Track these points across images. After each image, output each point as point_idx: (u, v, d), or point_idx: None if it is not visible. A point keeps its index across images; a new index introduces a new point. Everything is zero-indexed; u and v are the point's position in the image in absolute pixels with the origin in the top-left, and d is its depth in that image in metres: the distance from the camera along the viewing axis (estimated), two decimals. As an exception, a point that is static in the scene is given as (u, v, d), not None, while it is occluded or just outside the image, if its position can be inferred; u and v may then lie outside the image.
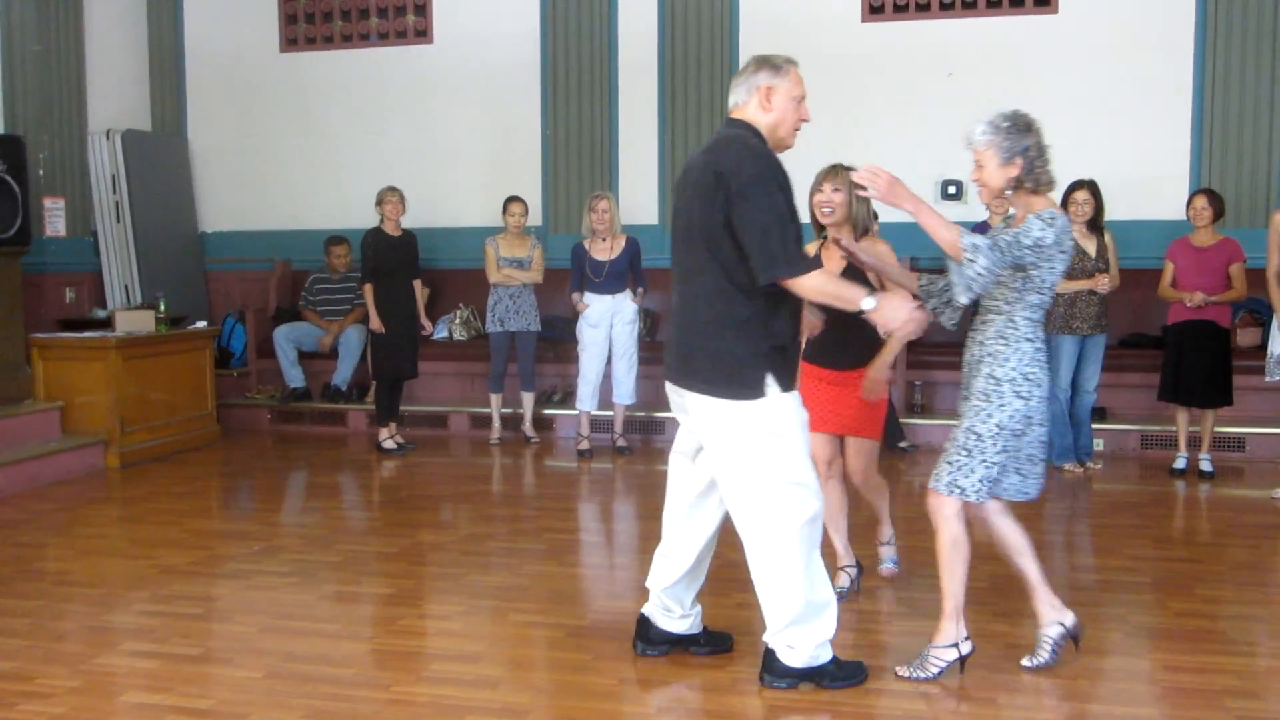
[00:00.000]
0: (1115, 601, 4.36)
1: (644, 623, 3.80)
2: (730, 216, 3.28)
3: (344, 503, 6.61)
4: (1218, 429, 6.72)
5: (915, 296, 3.59)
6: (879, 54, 8.17)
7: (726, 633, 3.86)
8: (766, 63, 3.46)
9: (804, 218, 3.62)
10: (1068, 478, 6.62)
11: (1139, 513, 5.87)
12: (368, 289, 7.46)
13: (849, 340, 4.22)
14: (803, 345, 3.86)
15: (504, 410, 7.92)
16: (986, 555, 4.98)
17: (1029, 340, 3.42)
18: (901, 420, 7.49)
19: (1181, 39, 7.88)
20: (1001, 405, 3.40)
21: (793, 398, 3.40)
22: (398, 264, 7.53)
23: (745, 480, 3.39)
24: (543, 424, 8.06)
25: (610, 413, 7.57)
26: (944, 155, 7.24)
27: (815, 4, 8.37)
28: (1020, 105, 8.13)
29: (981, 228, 6.77)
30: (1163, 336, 6.81)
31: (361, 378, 8.56)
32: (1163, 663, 3.75)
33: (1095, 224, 6.64)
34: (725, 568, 4.80)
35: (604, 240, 7.34)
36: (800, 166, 3.73)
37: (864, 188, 3.31)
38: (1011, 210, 3.59)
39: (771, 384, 3.34)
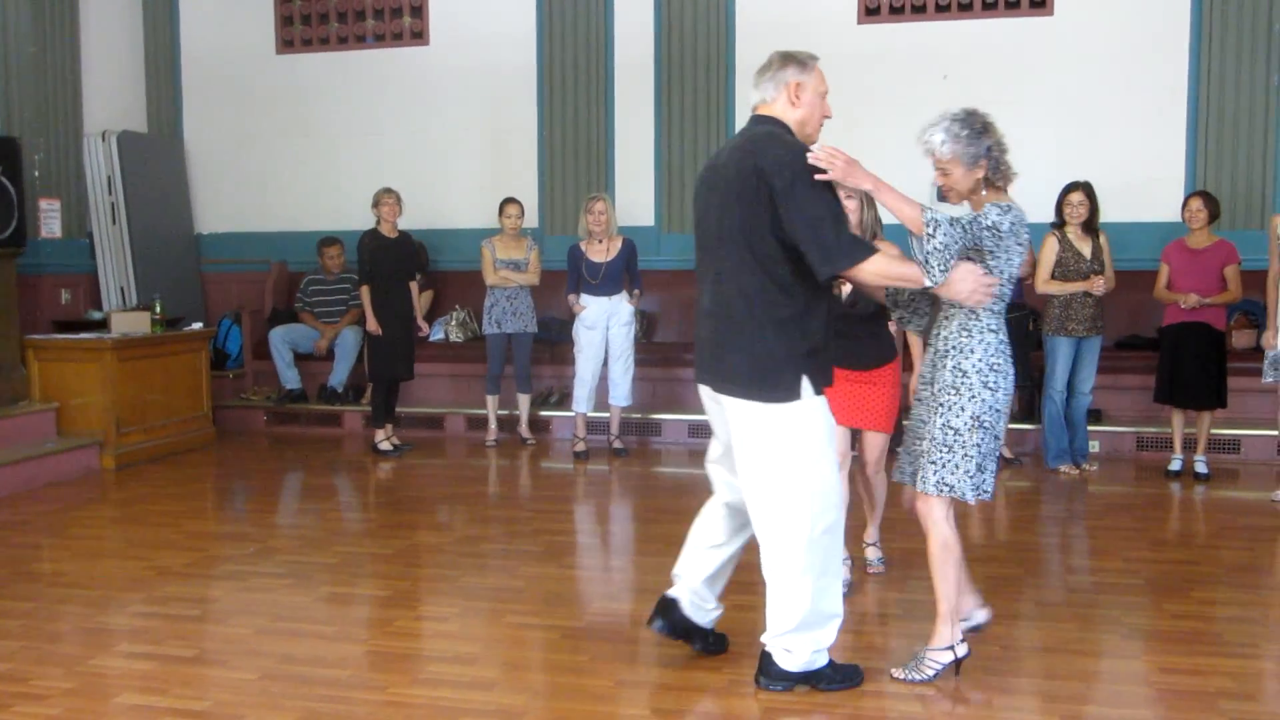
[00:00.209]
0: (1110, 603, 4.36)
1: (671, 605, 3.74)
2: (778, 214, 3.26)
3: (340, 504, 6.60)
4: (1213, 431, 6.74)
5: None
6: (875, 55, 8.19)
7: (724, 634, 3.86)
8: (793, 59, 3.44)
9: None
10: (1064, 479, 6.63)
11: (1134, 514, 5.88)
12: (364, 291, 7.45)
13: (868, 341, 4.36)
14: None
15: (500, 412, 7.91)
16: (983, 557, 5.01)
17: (992, 331, 3.44)
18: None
19: (1177, 41, 7.90)
20: (972, 397, 3.41)
21: (822, 402, 3.40)
22: (394, 265, 7.53)
23: (769, 483, 3.38)
24: (539, 426, 8.06)
25: (606, 414, 7.57)
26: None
27: (811, 5, 8.39)
28: (1016, 107, 8.25)
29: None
30: (1158, 338, 6.82)
31: (357, 379, 8.56)
32: (1158, 665, 3.75)
33: (1090, 226, 6.65)
34: (721, 569, 4.81)
35: (600, 242, 7.34)
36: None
37: (844, 182, 3.28)
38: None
39: (806, 386, 3.33)
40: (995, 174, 3.44)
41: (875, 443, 4.56)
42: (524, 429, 7.88)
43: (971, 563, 4.83)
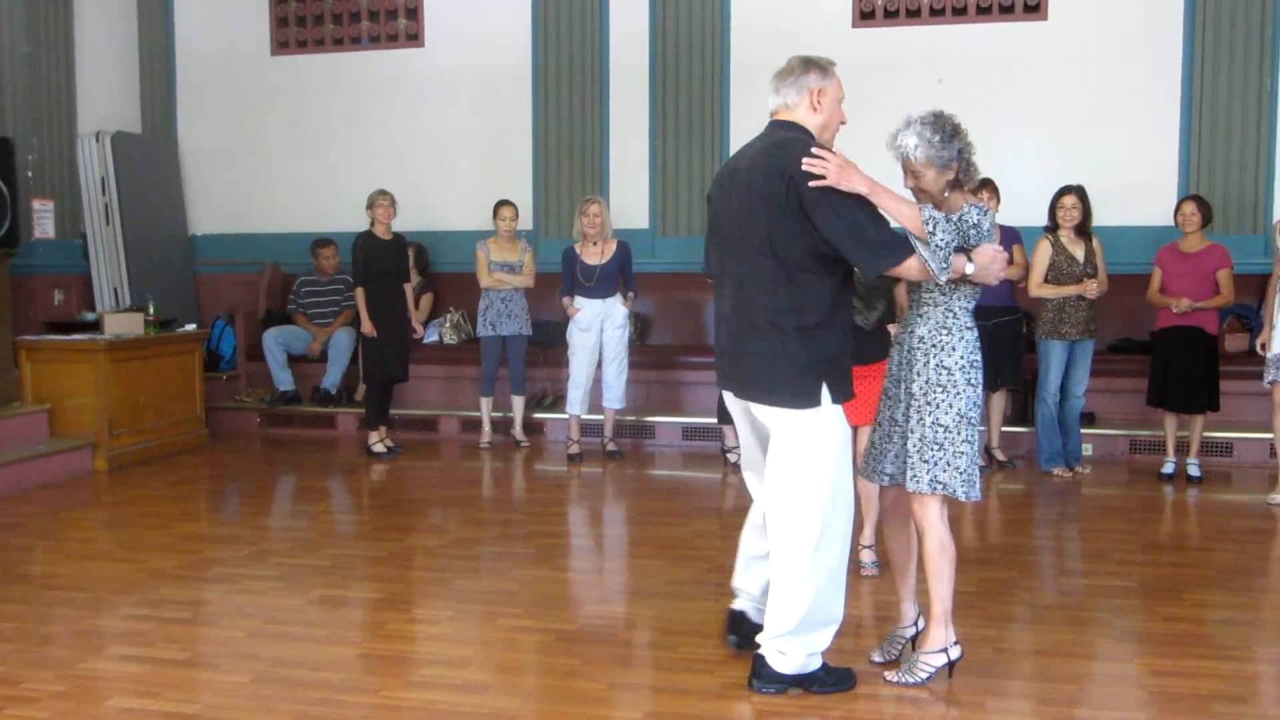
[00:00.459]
0: (1103, 606, 4.37)
1: (739, 618, 3.79)
2: (806, 222, 3.26)
3: (333, 506, 6.59)
4: (1205, 434, 6.74)
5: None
6: (869, 60, 8.17)
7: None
8: (814, 64, 3.45)
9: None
10: (1057, 482, 6.64)
11: (1127, 517, 5.89)
12: (359, 292, 7.44)
13: (870, 335, 4.36)
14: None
15: (494, 414, 7.91)
16: (976, 560, 5.02)
17: (968, 330, 3.48)
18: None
19: (1170, 46, 7.91)
20: (958, 395, 3.44)
21: (840, 411, 3.42)
22: (389, 267, 7.52)
23: (785, 485, 3.40)
24: (533, 428, 8.05)
25: (600, 417, 7.57)
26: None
27: (806, 9, 8.39)
28: (1010, 111, 8.25)
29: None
30: (1151, 342, 6.83)
31: (351, 381, 8.55)
32: (1150, 667, 3.75)
33: (1083, 229, 6.67)
34: (716, 572, 4.82)
35: (595, 244, 7.34)
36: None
37: (822, 175, 3.25)
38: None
39: (826, 394, 3.36)
40: (965, 176, 3.46)
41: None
42: (518, 431, 7.87)
43: (964, 565, 4.84)
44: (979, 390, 3.49)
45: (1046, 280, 6.64)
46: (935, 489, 3.45)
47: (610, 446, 7.52)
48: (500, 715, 3.38)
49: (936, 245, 3.27)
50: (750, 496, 3.80)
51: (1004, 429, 7.14)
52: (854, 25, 8.40)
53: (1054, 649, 3.89)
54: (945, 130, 3.43)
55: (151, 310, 7.69)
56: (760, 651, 3.50)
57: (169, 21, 9.70)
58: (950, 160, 3.42)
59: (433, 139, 9.18)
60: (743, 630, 3.77)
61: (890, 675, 3.58)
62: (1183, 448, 6.66)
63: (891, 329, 4.43)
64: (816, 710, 3.39)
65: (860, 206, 3.28)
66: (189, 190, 9.79)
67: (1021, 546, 5.46)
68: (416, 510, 6.24)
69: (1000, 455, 7.05)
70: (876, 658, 3.74)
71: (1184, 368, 6.50)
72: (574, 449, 7.44)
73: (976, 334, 3.51)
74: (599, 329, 7.36)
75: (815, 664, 3.49)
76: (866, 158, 3.60)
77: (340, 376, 8.56)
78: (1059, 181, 6.84)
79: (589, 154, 8.86)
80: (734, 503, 6.40)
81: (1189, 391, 6.51)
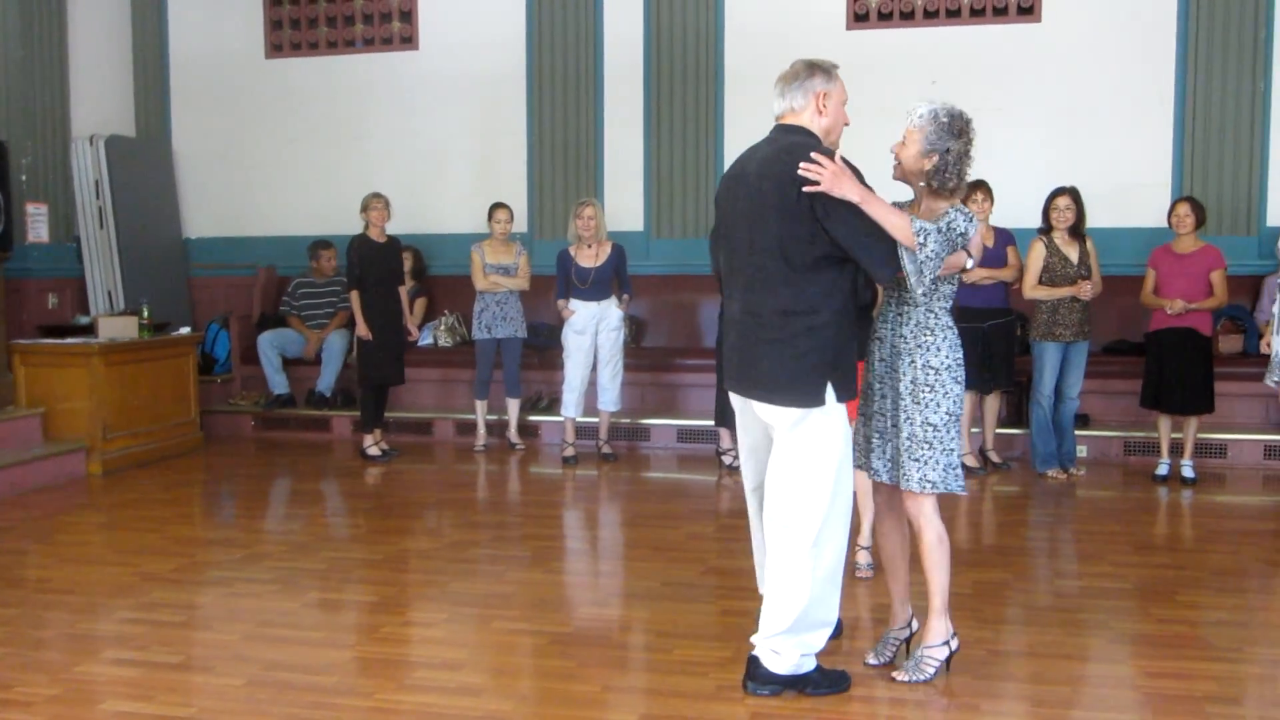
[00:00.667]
0: (1097, 608, 4.38)
1: None
2: (818, 226, 3.30)
3: (327, 510, 6.58)
4: (1200, 435, 6.75)
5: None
6: (863, 62, 8.12)
7: (839, 618, 3.83)
8: (819, 68, 3.48)
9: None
10: (1051, 484, 6.64)
11: (1122, 519, 5.89)
12: (354, 295, 7.44)
13: (863, 328, 4.34)
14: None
15: (489, 417, 7.90)
16: (971, 562, 5.02)
17: (950, 329, 3.52)
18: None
19: (1163, 48, 7.93)
20: (945, 393, 3.47)
21: (844, 410, 3.45)
22: (383, 270, 7.51)
23: (787, 483, 3.43)
24: (528, 431, 8.04)
25: (595, 419, 7.57)
26: (928, 163, 7.28)
27: (800, 12, 8.40)
28: (1004, 113, 8.26)
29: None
30: (1145, 343, 6.84)
31: (346, 384, 8.54)
32: (1144, 669, 3.76)
33: (1077, 231, 6.68)
34: (711, 574, 4.82)
35: (589, 247, 7.34)
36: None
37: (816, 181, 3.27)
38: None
39: (830, 393, 3.39)
40: (935, 175, 3.46)
41: None
42: (513, 434, 7.87)
43: (959, 567, 4.84)
44: (964, 387, 3.55)
45: (1041, 282, 6.65)
46: (924, 488, 3.47)
47: (605, 449, 7.52)
48: (494, 718, 3.38)
49: (927, 257, 3.29)
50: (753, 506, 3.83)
51: (998, 431, 7.15)
52: (848, 27, 8.41)
53: (1048, 650, 3.90)
54: (953, 124, 3.45)
55: (145, 314, 7.68)
56: (754, 653, 3.50)
57: (163, 25, 9.69)
58: (935, 150, 3.43)
59: (427, 142, 9.18)
60: None
61: (899, 676, 3.58)
62: (1177, 449, 6.66)
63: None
64: (811, 713, 3.40)
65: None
66: (183, 193, 9.78)
67: (1016, 548, 5.47)
68: (411, 513, 6.23)
69: (995, 457, 7.05)
70: (871, 660, 3.75)
71: (1178, 369, 6.51)
72: (569, 452, 7.44)
73: (956, 332, 3.55)
74: (594, 331, 7.36)
75: (809, 665, 3.50)
76: (862, 159, 3.62)
77: (335, 379, 8.54)
78: (1053, 183, 6.85)
79: (583, 157, 8.86)
80: (729, 505, 6.40)
81: (1183, 393, 6.52)
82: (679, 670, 3.73)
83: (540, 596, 4.61)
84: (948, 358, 3.48)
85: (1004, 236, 6.91)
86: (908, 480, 3.49)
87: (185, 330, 8.23)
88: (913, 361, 3.48)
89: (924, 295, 3.45)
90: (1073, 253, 6.65)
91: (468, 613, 4.39)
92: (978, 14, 8.22)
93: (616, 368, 7.44)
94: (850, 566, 4.65)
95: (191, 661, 3.89)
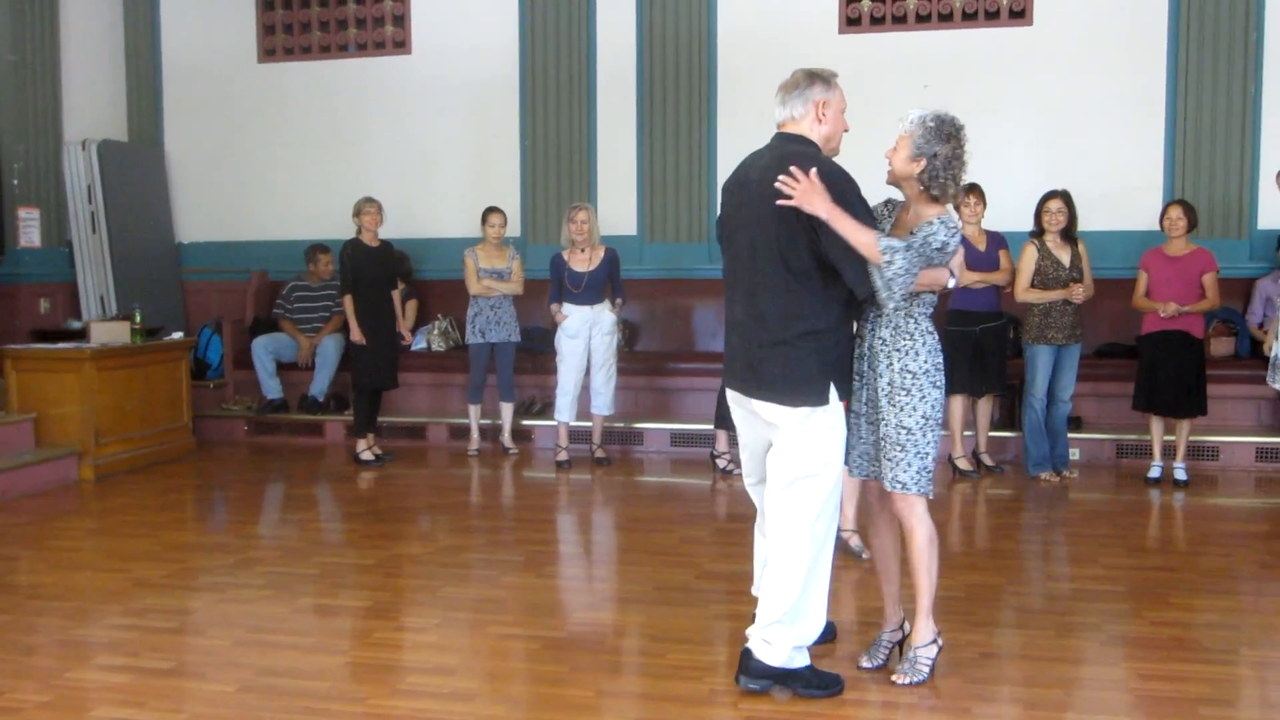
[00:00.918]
0: (1090, 610, 4.38)
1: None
2: (815, 233, 3.38)
3: (321, 515, 6.57)
4: (1192, 438, 6.77)
5: None
6: (855, 66, 8.12)
7: (830, 621, 3.86)
8: (819, 77, 3.55)
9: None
10: (1044, 487, 6.65)
11: (1114, 521, 5.90)
12: (348, 300, 7.43)
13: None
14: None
15: (482, 421, 7.90)
16: (964, 565, 5.03)
17: (930, 333, 3.55)
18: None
19: (1154, 51, 7.95)
20: (923, 397, 3.51)
21: (841, 408, 3.54)
22: (377, 275, 7.50)
23: (789, 476, 3.49)
24: (521, 435, 8.04)
25: (589, 424, 7.56)
26: (920, 166, 7.29)
27: (792, 16, 8.41)
28: (996, 116, 8.28)
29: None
30: (1137, 346, 6.85)
31: (339, 388, 8.53)
32: (1137, 671, 3.76)
33: (1069, 234, 6.69)
34: (705, 578, 4.82)
35: (583, 251, 7.34)
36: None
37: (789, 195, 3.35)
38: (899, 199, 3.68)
39: (832, 392, 3.48)
40: (925, 178, 3.48)
41: None
42: (506, 438, 7.86)
43: (952, 570, 4.88)
44: (943, 391, 3.57)
45: (1033, 285, 6.66)
46: (894, 488, 3.54)
47: (599, 453, 7.52)
48: (487, 723, 3.37)
49: (894, 274, 3.33)
50: (756, 507, 3.86)
51: (991, 434, 7.16)
52: (840, 32, 8.42)
53: (1041, 653, 3.90)
54: (941, 129, 3.48)
55: (138, 318, 7.66)
56: (748, 645, 3.54)
57: (155, 29, 9.68)
58: (923, 155, 3.46)
59: (420, 146, 9.18)
60: None
61: (898, 679, 3.60)
62: (1169, 452, 6.68)
63: None
64: (804, 717, 3.39)
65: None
66: (176, 198, 9.77)
67: (1009, 551, 5.47)
68: (404, 518, 6.22)
69: (988, 460, 7.06)
70: (865, 663, 3.76)
71: (1170, 372, 6.52)
72: (562, 456, 7.43)
73: (936, 337, 3.58)
74: (587, 336, 7.36)
75: (802, 661, 3.53)
76: (855, 163, 3.64)
77: (328, 384, 8.53)
78: (1044, 186, 6.87)
79: (576, 161, 8.86)
80: (723, 509, 6.41)
81: (1176, 395, 6.53)
82: (672, 675, 3.72)
83: (533, 601, 4.61)
84: (925, 362, 3.52)
85: (996, 240, 6.92)
86: (882, 481, 3.58)
87: (178, 335, 8.21)
88: (890, 364, 3.53)
89: (895, 310, 3.49)
90: (1065, 256, 6.67)
91: (461, 618, 4.39)
92: (970, 17, 8.24)
93: (610, 372, 7.44)
94: (844, 559, 4.67)
95: (183, 667, 3.88)
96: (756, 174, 3.52)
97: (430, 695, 3.58)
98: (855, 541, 4.93)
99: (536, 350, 8.22)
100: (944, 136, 3.47)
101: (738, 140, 3.95)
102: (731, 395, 3.72)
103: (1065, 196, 6.67)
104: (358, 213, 7.46)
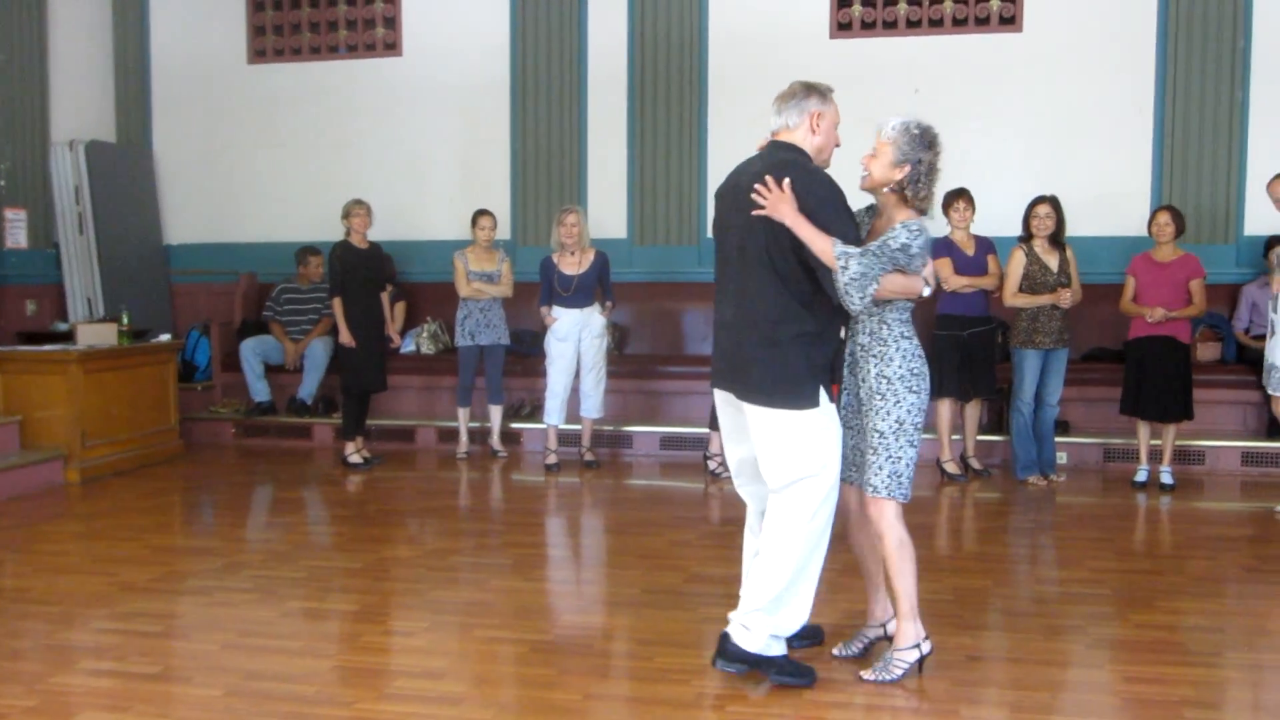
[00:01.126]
0: (1077, 613, 4.40)
1: None
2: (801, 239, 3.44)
3: (309, 518, 6.56)
4: (1178, 442, 6.80)
5: None
6: (846, 70, 8.18)
7: (817, 625, 3.95)
8: (815, 89, 3.63)
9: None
10: (1032, 490, 6.67)
11: (1101, 525, 5.93)
12: (336, 302, 7.41)
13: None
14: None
15: (471, 424, 7.89)
16: (951, 568, 5.04)
17: (906, 339, 3.60)
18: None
19: (1143, 57, 7.99)
20: (897, 402, 3.56)
21: (834, 410, 3.60)
22: (366, 277, 7.49)
23: (785, 476, 3.54)
24: (510, 438, 8.03)
25: (578, 427, 7.56)
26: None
27: (783, 20, 8.43)
28: (985, 121, 8.32)
29: (944, 245, 6.85)
30: (1124, 351, 6.88)
31: (327, 391, 8.51)
32: (1122, 674, 3.77)
33: (1057, 239, 6.72)
34: (693, 582, 4.82)
35: (572, 254, 7.34)
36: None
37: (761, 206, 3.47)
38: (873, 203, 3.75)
39: (822, 394, 3.54)
40: (912, 187, 3.56)
41: None
42: (495, 441, 7.85)
43: (940, 573, 4.89)
44: (922, 396, 3.59)
45: (1021, 290, 6.69)
46: (869, 491, 3.60)
47: (588, 456, 7.51)
48: (475, 727, 3.37)
49: (850, 279, 3.38)
50: (746, 507, 3.88)
51: (979, 438, 7.18)
52: (831, 36, 8.45)
53: (1027, 656, 3.91)
54: (924, 136, 3.56)
55: (125, 320, 7.64)
56: (726, 630, 3.60)
57: (144, 29, 9.65)
58: (905, 160, 3.54)
59: (410, 149, 9.17)
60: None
61: (866, 674, 3.63)
62: (1156, 456, 6.71)
63: None
64: (791, 718, 3.40)
65: (844, 236, 3.46)
66: (164, 199, 9.74)
67: (996, 554, 5.48)
68: (393, 521, 6.21)
69: (976, 464, 7.08)
70: (837, 651, 3.85)
71: (1157, 376, 6.55)
72: (551, 459, 7.42)
73: (915, 343, 3.62)
74: (577, 339, 7.36)
75: (779, 649, 3.60)
76: (844, 168, 3.67)
77: (316, 387, 8.51)
78: (1033, 191, 6.90)
79: (567, 164, 8.86)
80: (712, 513, 6.41)
81: (1162, 400, 6.56)
82: (660, 678, 3.72)
83: (522, 604, 4.60)
84: (900, 368, 3.56)
85: (985, 244, 6.95)
86: (861, 483, 3.65)
87: (165, 337, 8.18)
88: (868, 369, 3.60)
89: (864, 314, 3.55)
90: (1052, 261, 6.69)
91: (449, 621, 4.38)
92: (960, 23, 8.27)
93: (599, 375, 7.44)
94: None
95: (169, 672, 3.86)
96: (747, 180, 3.59)
97: (418, 699, 3.57)
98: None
99: (526, 353, 8.22)
100: (926, 144, 3.56)
101: (728, 144, 3.99)
102: (720, 396, 3.76)
103: (1053, 202, 6.70)
104: (347, 214, 7.45)
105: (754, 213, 3.49)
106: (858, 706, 3.51)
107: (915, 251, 3.48)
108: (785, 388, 3.50)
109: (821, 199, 3.47)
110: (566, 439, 7.59)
